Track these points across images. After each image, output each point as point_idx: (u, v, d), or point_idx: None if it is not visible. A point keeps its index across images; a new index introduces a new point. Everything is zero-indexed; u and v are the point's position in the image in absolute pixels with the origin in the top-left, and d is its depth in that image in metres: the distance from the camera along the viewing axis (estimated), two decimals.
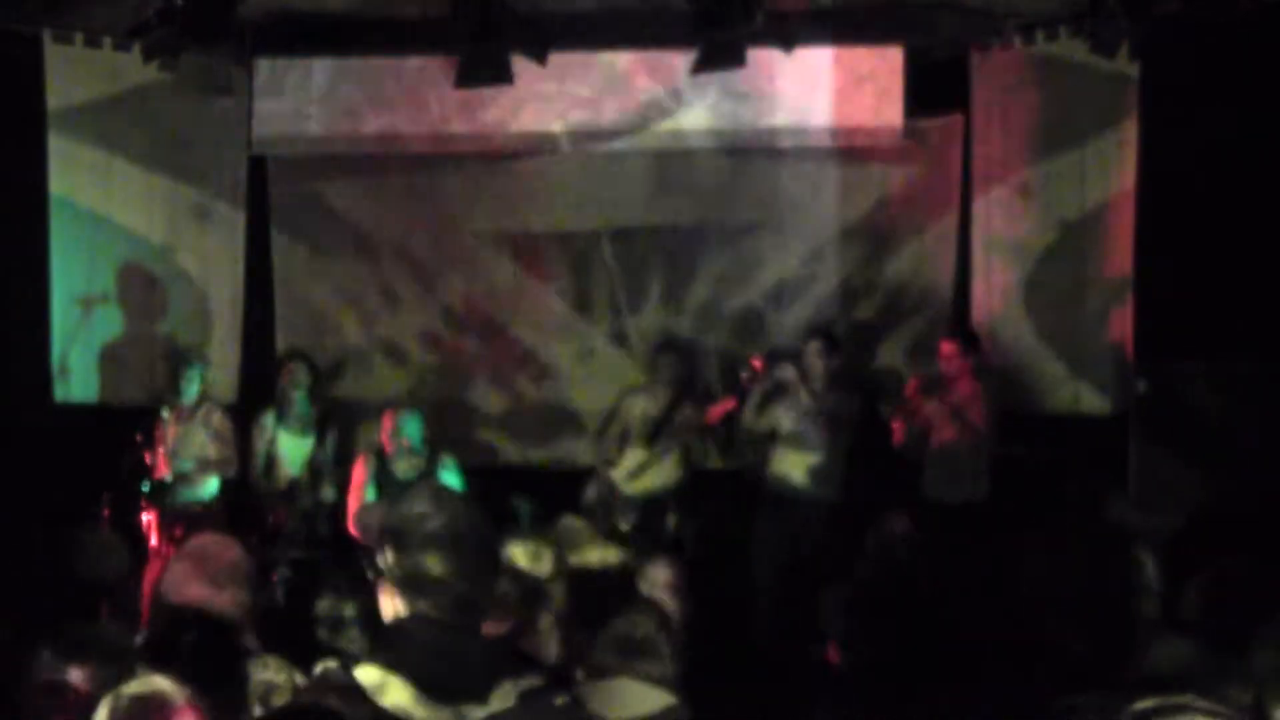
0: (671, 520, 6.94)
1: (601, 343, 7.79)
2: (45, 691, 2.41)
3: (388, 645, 2.18)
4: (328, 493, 6.92)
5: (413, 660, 2.13)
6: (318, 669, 2.22)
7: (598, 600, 3.26)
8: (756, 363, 6.77)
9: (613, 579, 3.72)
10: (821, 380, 6.62)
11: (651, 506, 6.90)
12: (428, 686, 2.10)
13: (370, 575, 4.08)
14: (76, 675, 2.42)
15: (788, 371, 6.51)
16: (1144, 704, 1.64)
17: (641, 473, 7.03)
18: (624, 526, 6.71)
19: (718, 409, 7.01)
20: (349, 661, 2.20)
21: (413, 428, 6.57)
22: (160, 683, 2.07)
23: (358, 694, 2.10)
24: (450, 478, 6.56)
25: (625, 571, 3.94)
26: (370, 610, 3.34)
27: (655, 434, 7.03)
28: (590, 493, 6.92)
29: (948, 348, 6.71)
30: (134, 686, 2.06)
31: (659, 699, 2.75)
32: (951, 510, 6.46)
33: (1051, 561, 2.59)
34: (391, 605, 2.23)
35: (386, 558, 2.24)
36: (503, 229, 7.87)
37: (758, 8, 6.38)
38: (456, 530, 2.20)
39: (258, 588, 3.26)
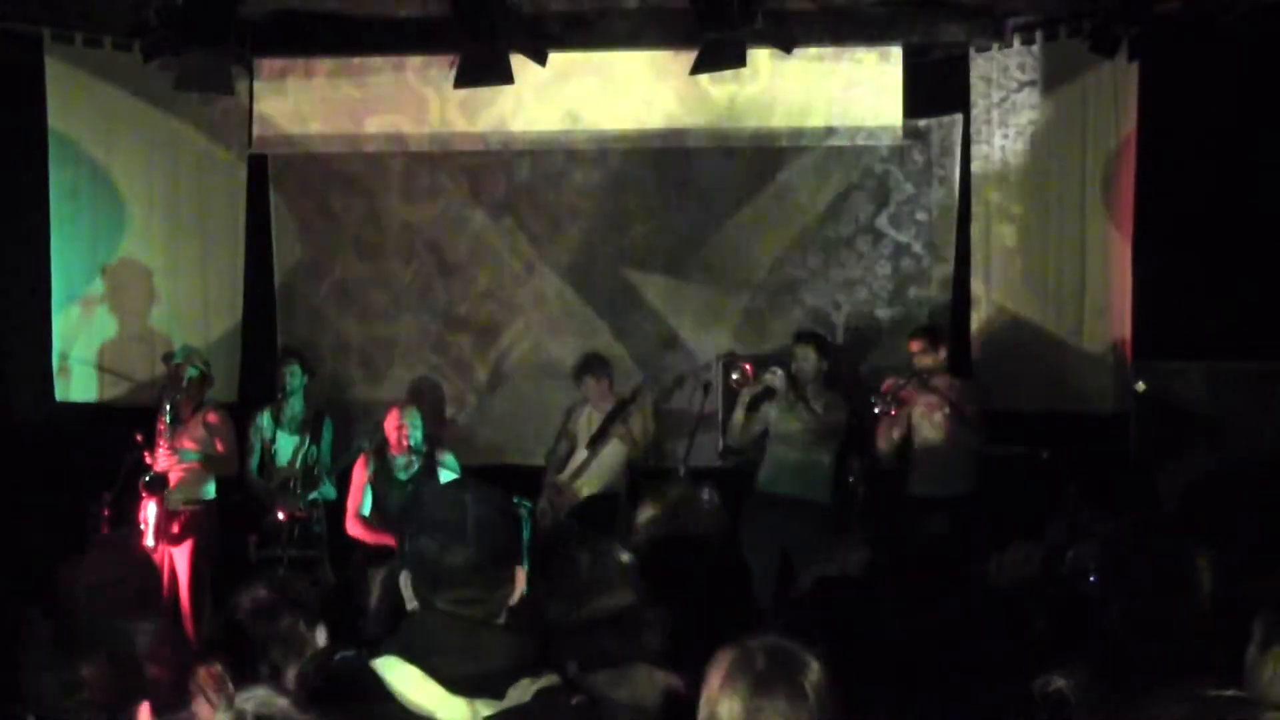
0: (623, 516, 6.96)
1: (603, 342, 7.79)
2: (64, 689, 2.43)
3: (406, 636, 2.18)
4: (324, 492, 6.92)
5: (429, 652, 2.13)
6: (336, 657, 2.21)
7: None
8: (747, 366, 6.78)
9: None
10: (813, 383, 6.62)
11: (598, 505, 6.92)
12: (444, 679, 2.11)
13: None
14: (90, 673, 2.44)
15: (778, 374, 6.51)
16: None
17: (581, 473, 7.06)
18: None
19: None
20: (367, 651, 2.20)
21: (414, 426, 6.61)
22: (279, 701, 2.05)
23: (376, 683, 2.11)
24: (450, 476, 6.57)
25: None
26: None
27: (597, 438, 7.08)
28: (541, 500, 7.01)
29: (915, 345, 6.73)
30: (253, 704, 2.04)
31: (661, 679, 2.73)
32: (938, 505, 6.47)
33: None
34: (410, 594, 2.23)
35: (404, 549, 2.24)
36: (502, 229, 7.87)
37: (758, 8, 6.39)
38: (472, 521, 2.19)
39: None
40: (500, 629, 2.22)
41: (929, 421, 6.64)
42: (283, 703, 2.03)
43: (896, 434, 6.67)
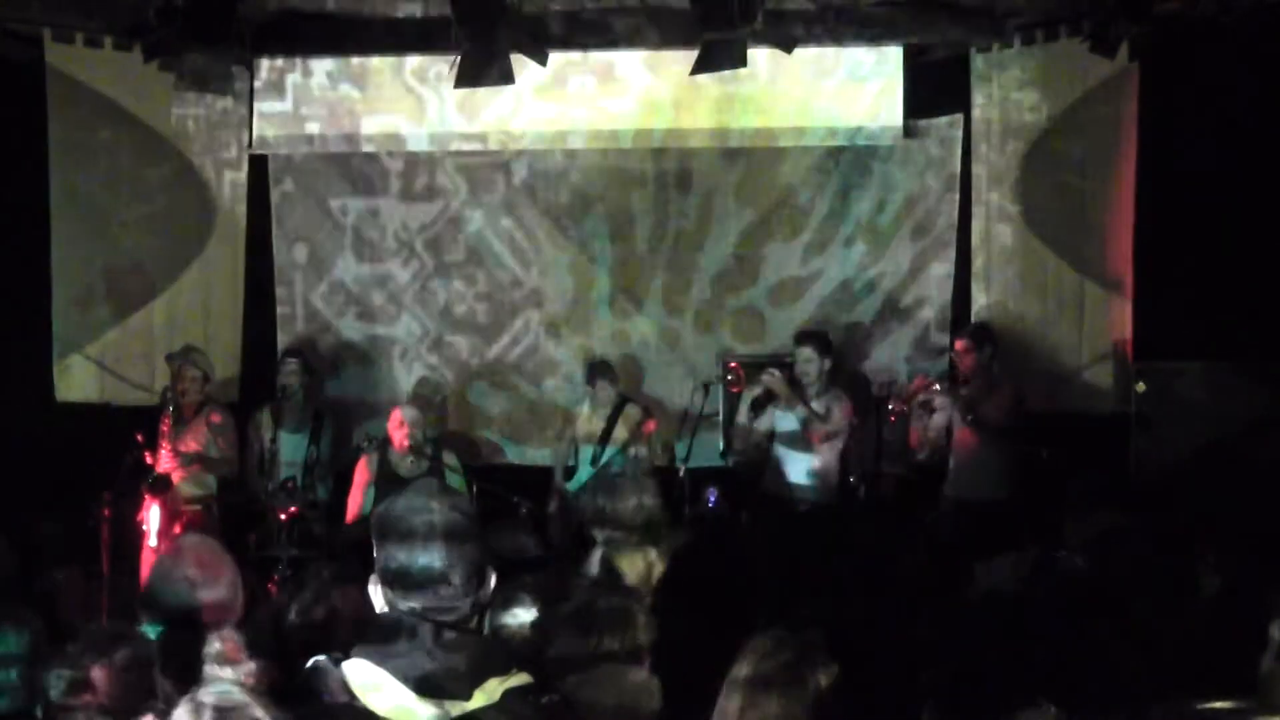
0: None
1: (602, 342, 7.79)
2: (69, 687, 2.41)
3: (376, 640, 2.19)
4: (323, 491, 6.92)
5: (399, 655, 2.14)
6: (309, 664, 2.21)
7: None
8: (735, 365, 6.79)
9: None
10: (815, 383, 6.62)
11: None
12: (412, 681, 2.11)
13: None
14: (98, 674, 2.42)
15: (775, 376, 6.50)
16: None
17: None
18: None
19: (650, 425, 7.03)
20: (339, 656, 2.20)
21: (416, 426, 6.61)
22: (239, 695, 2.05)
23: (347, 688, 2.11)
24: (453, 477, 6.58)
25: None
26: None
27: (601, 447, 7.05)
28: (551, 505, 6.98)
29: (960, 344, 6.72)
30: (213, 696, 2.03)
31: (635, 677, 2.74)
32: (974, 509, 6.44)
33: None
34: (380, 599, 2.24)
35: (375, 552, 2.25)
36: (502, 230, 7.87)
37: (758, 8, 6.38)
38: (440, 526, 2.20)
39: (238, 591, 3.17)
40: (469, 631, 2.23)
41: (961, 424, 6.59)
42: (243, 698, 2.03)
43: (931, 434, 6.64)
